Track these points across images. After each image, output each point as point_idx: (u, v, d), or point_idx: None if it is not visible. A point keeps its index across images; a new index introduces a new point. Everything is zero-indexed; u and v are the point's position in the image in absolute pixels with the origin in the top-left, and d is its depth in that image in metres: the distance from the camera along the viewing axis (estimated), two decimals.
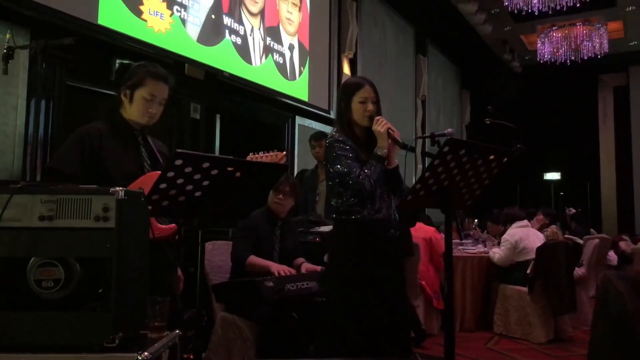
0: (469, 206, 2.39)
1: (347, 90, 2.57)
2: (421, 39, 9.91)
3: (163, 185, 1.83)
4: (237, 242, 3.27)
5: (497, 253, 4.97)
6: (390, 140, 2.44)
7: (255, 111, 5.98)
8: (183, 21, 4.75)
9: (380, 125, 2.43)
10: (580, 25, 9.79)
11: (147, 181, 2.10)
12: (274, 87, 5.92)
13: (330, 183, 2.56)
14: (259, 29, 5.76)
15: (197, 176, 1.85)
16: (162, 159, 2.30)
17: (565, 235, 6.07)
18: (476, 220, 7.97)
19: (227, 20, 5.29)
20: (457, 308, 4.95)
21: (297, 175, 5.22)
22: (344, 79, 6.81)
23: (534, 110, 11.91)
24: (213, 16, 5.11)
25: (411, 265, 4.05)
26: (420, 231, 4.81)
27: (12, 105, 3.51)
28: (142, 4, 4.34)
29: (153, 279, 1.76)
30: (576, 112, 12.00)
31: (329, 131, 5.93)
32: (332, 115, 6.23)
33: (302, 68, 6.47)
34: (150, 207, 1.81)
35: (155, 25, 4.45)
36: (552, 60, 10.06)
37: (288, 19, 6.28)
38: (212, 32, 5.08)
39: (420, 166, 9.37)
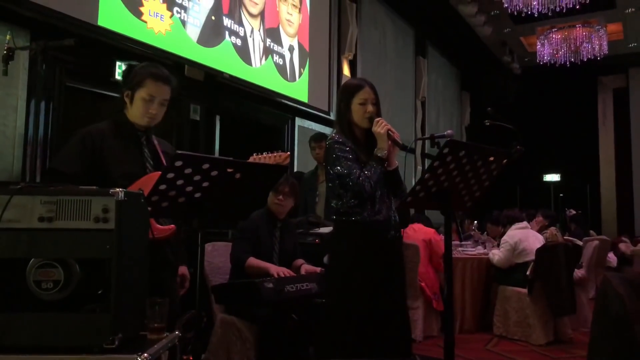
0: (468, 207, 2.39)
1: (347, 92, 2.57)
2: (421, 41, 9.92)
3: (163, 187, 1.83)
4: (237, 243, 3.27)
5: (496, 254, 4.97)
6: (390, 142, 2.44)
7: (255, 112, 5.98)
8: (183, 22, 4.75)
9: (380, 127, 2.43)
10: (579, 27, 9.79)
11: (147, 182, 2.10)
12: (274, 88, 5.92)
13: (330, 184, 2.57)
14: (259, 30, 5.76)
15: (196, 177, 1.85)
16: (165, 160, 2.31)
17: (565, 237, 6.08)
18: (475, 221, 7.98)
19: (227, 21, 5.30)
20: (456, 309, 4.95)
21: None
22: (343, 81, 6.82)
23: (534, 112, 11.91)
24: (213, 17, 5.11)
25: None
26: (420, 232, 4.81)
27: (12, 106, 3.51)
28: (142, 5, 4.34)
29: (152, 280, 1.76)
30: (576, 114, 12.00)
31: (329, 132, 5.94)
32: (332, 116, 6.23)
33: (302, 69, 6.48)
34: (150, 208, 1.81)
35: (155, 27, 4.45)
36: (552, 61, 10.07)
37: (288, 20, 6.28)
38: (212, 33, 5.09)
39: (419, 168, 9.37)
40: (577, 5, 7.85)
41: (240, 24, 5.49)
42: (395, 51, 8.96)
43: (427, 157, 9.63)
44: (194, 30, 4.87)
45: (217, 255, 3.44)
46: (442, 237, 4.47)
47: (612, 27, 10.11)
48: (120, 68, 4.21)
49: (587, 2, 7.74)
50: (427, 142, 8.43)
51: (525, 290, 4.63)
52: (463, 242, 6.26)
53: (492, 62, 11.82)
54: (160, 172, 1.94)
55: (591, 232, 7.75)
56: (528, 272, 4.63)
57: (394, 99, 8.66)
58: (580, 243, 5.54)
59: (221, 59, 5.17)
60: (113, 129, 2.27)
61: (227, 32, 5.28)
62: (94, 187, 1.60)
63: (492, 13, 9.79)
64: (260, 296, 2.81)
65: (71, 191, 1.55)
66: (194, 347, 2.26)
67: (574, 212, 8.25)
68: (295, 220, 3.93)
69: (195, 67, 4.89)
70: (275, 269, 3.08)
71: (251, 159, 2.33)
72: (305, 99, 6.50)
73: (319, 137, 4.86)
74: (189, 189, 1.88)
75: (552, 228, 5.74)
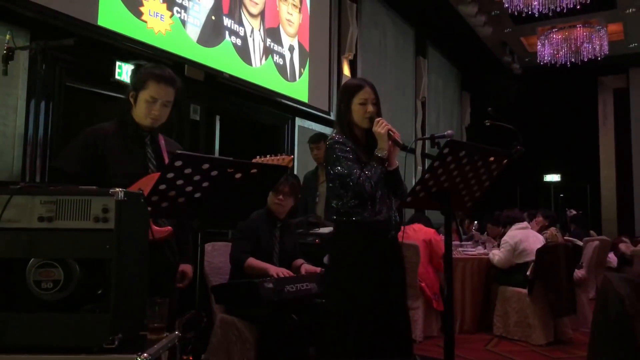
0: (468, 208, 2.39)
1: (347, 92, 2.57)
2: (421, 41, 9.91)
3: (163, 187, 1.83)
4: (236, 243, 3.27)
5: (496, 255, 4.97)
6: (390, 142, 2.44)
7: (255, 112, 5.98)
8: (183, 22, 4.75)
9: (381, 127, 2.42)
10: (580, 27, 9.79)
11: (147, 182, 2.10)
12: (274, 88, 5.92)
13: (330, 184, 2.56)
14: (259, 30, 5.76)
15: (196, 177, 1.85)
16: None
17: (565, 237, 6.08)
18: (476, 222, 7.99)
19: (227, 21, 5.29)
20: (456, 310, 4.95)
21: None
22: (344, 81, 6.81)
23: (534, 112, 11.91)
24: (213, 17, 5.11)
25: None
26: (420, 233, 4.81)
27: (11, 106, 3.51)
28: (142, 5, 4.34)
29: (151, 281, 1.76)
30: (576, 114, 12.00)
31: (329, 133, 5.94)
32: (332, 116, 6.23)
33: (302, 69, 6.47)
34: (149, 208, 1.81)
35: (156, 27, 4.45)
36: (552, 62, 10.06)
37: (288, 20, 6.28)
38: (212, 33, 5.08)
39: (420, 168, 9.37)
40: (577, 6, 7.85)
41: (241, 23, 5.48)
42: (396, 51, 8.96)
43: (427, 157, 9.63)
44: (194, 30, 4.87)
45: (217, 255, 3.45)
46: (442, 237, 4.47)
47: (612, 27, 10.10)
48: (120, 68, 4.22)
49: (588, 2, 7.73)
50: (428, 142, 8.42)
51: (525, 291, 4.63)
52: (463, 242, 6.26)
53: (492, 63, 11.82)
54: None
55: (591, 232, 7.75)
56: (528, 273, 4.62)
57: (394, 99, 8.65)
58: (581, 243, 5.54)
59: (221, 58, 5.17)
60: (117, 129, 2.30)
61: (227, 32, 5.28)
62: (94, 187, 1.60)
63: (493, 13, 9.78)
64: (260, 296, 2.81)
65: (71, 191, 1.56)
66: (193, 347, 2.26)
67: (574, 212, 8.25)
68: (295, 221, 3.93)
69: (195, 67, 4.88)
70: (275, 270, 3.08)
71: (254, 162, 2.34)
72: (305, 99, 6.50)
73: (316, 139, 4.87)
74: (189, 189, 1.88)
75: (552, 228, 5.74)
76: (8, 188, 1.53)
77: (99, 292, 1.56)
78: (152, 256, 1.77)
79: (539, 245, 4.71)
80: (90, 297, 1.56)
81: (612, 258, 6.90)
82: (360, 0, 7.80)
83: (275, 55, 5.99)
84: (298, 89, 6.37)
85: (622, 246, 7.67)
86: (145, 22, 4.36)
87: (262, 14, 5.83)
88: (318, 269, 3.27)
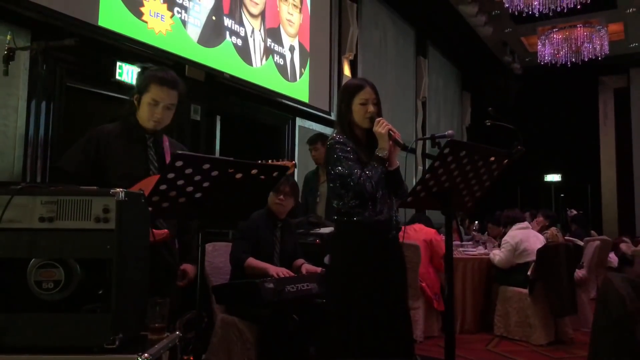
0: (469, 208, 2.39)
1: (347, 92, 2.57)
2: (422, 41, 9.91)
3: (163, 187, 1.83)
4: (236, 243, 3.28)
5: (497, 255, 4.97)
6: (391, 142, 2.44)
7: (256, 112, 5.98)
8: (184, 22, 4.75)
9: (381, 127, 2.42)
10: (580, 27, 9.78)
11: (147, 184, 2.11)
12: (275, 88, 5.92)
13: (331, 185, 2.56)
14: (260, 31, 5.76)
15: (197, 177, 1.85)
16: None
17: (566, 237, 6.07)
18: (476, 222, 7.99)
19: (227, 21, 5.30)
20: (457, 310, 4.94)
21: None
22: (344, 81, 6.82)
23: (535, 112, 11.91)
24: (213, 17, 5.11)
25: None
26: (421, 233, 4.81)
27: (12, 107, 3.51)
28: (142, 5, 4.34)
29: (150, 283, 1.77)
30: (577, 114, 12.00)
31: (329, 133, 5.92)
32: (333, 116, 6.23)
33: (302, 69, 6.48)
34: (150, 209, 1.81)
35: (156, 27, 4.45)
36: (553, 62, 10.06)
37: (289, 20, 6.28)
38: (212, 33, 5.09)
39: (420, 168, 9.37)
40: (578, 5, 7.85)
41: (241, 24, 5.49)
42: (396, 51, 8.95)
43: (427, 157, 9.63)
44: (194, 30, 4.87)
45: (218, 256, 3.45)
46: (442, 237, 4.47)
47: (613, 27, 10.10)
48: (120, 68, 4.22)
49: (588, 2, 7.73)
50: (428, 142, 8.43)
51: (526, 291, 4.63)
52: (464, 242, 6.26)
53: (493, 62, 11.82)
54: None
55: (592, 232, 7.75)
56: (529, 273, 4.62)
57: (395, 99, 8.65)
58: (581, 243, 5.54)
59: (222, 59, 5.17)
60: (121, 131, 2.32)
61: (227, 32, 5.28)
62: (95, 187, 1.60)
63: (493, 13, 9.78)
64: (261, 296, 2.81)
65: (72, 191, 1.56)
66: (194, 347, 2.26)
67: (574, 212, 8.24)
68: (296, 221, 3.93)
69: (195, 67, 4.89)
70: (274, 269, 3.08)
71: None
72: (306, 99, 6.50)
73: (313, 140, 4.87)
74: (190, 189, 1.88)
75: (553, 228, 5.73)
76: (9, 188, 1.53)
77: (100, 292, 1.56)
78: (150, 259, 1.77)
79: (539, 245, 4.71)
80: (91, 297, 1.56)
81: (612, 258, 6.89)
82: (361, 0, 7.80)
83: (275, 55, 5.99)
84: (298, 89, 6.37)
85: (622, 246, 7.67)
86: (146, 22, 4.37)
87: (262, 14, 5.84)
88: (319, 269, 3.27)
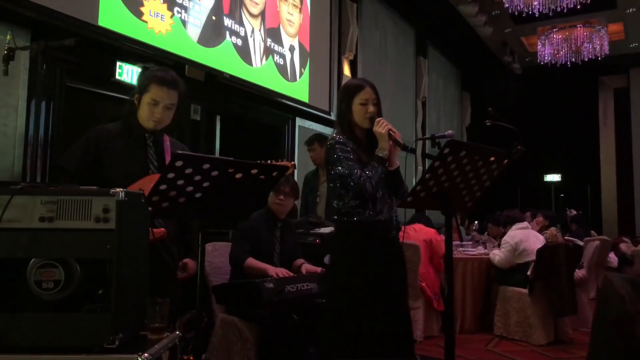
0: (469, 208, 2.39)
1: (347, 92, 2.57)
2: (422, 41, 9.91)
3: (163, 187, 1.83)
4: (236, 243, 3.28)
5: (497, 255, 4.97)
6: (391, 142, 2.43)
7: (256, 112, 5.98)
8: (183, 22, 4.75)
9: (381, 127, 2.42)
10: (580, 27, 9.79)
11: (147, 183, 2.11)
12: (275, 88, 5.92)
13: (331, 185, 2.56)
14: (260, 30, 5.76)
15: (197, 177, 1.85)
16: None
17: (565, 237, 6.08)
18: (476, 222, 7.99)
19: (227, 21, 5.30)
20: (457, 310, 4.94)
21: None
22: (344, 81, 6.82)
23: (535, 112, 11.91)
24: (213, 17, 5.11)
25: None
26: (421, 233, 4.81)
27: (12, 106, 3.51)
28: (142, 5, 4.34)
29: (150, 282, 1.77)
30: (577, 114, 12.00)
31: (329, 133, 5.92)
32: (333, 116, 6.23)
33: (302, 69, 6.47)
34: (150, 209, 1.81)
35: (156, 27, 4.45)
36: (553, 62, 10.06)
37: (289, 20, 6.28)
38: (212, 33, 5.09)
39: (420, 168, 9.37)
40: (578, 5, 7.85)
41: (241, 24, 5.49)
42: (396, 51, 8.95)
43: (427, 157, 9.64)
44: (194, 30, 4.87)
45: (218, 256, 3.45)
46: (442, 237, 4.47)
47: (613, 27, 10.10)
48: (120, 68, 4.22)
49: (588, 2, 7.73)
50: (428, 143, 8.44)
51: (525, 291, 4.63)
52: (464, 242, 6.26)
53: (492, 62, 11.82)
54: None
55: (592, 232, 7.75)
56: (529, 273, 4.62)
57: (395, 99, 8.65)
58: (581, 243, 5.54)
59: (222, 59, 5.17)
60: (121, 130, 2.33)
61: (227, 32, 5.28)
62: (95, 187, 1.60)
63: (493, 13, 9.79)
64: (261, 296, 2.81)
65: (72, 191, 1.56)
66: (194, 347, 2.26)
67: (574, 212, 8.24)
68: (296, 221, 3.93)
69: (195, 67, 4.89)
70: (274, 270, 3.08)
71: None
72: (305, 99, 6.50)
73: (310, 140, 4.88)
74: (190, 189, 1.88)
75: (552, 228, 5.73)
76: (9, 188, 1.53)
77: (100, 292, 1.57)
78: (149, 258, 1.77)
79: (539, 245, 4.71)
80: (91, 297, 1.56)
81: (612, 258, 6.89)
82: (361, 0, 7.80)
83: (275, 55, 5.99)
84: (298, 89, 6.37)
85: (622, 246, 7.67)
86: (146, 22, 4.36)
87: (262, 14, 5.84)
88: (318, 269, 3.27)
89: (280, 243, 3.36)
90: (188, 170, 1.81)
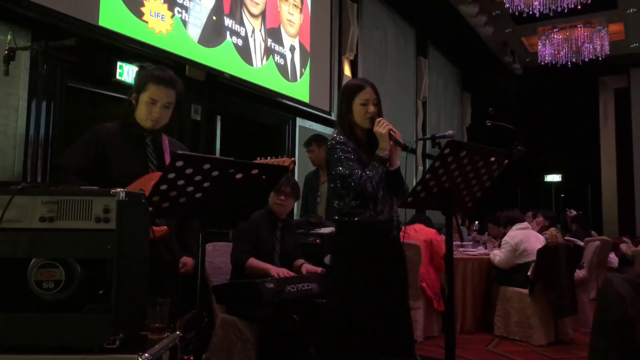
0: (469, 208, 2.39)
1: (348, 92, 2.57)
2: (422, 41, 9.91)
3: (164, 187, 1.83)
4: (237, 243, 3.28)
5: (497, 255, 4.97)
6: (391, 142, 2.44)
7: (256, 112, 5.98)
8: (184, 22, 4.75)
9: (382, 127, 2.42)
10: (581, 27, 9.79)
11: (147, 181, 2.12)
12: (275, 88, 5.92)
13: (332, 185, 2.56)
14: (260, 31, 5.76)
15: (197, 177, 1.85)
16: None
17: (565, 237, 6.07)
18: (476, 222, 7.98)
19: (228, 21, 5.30)
20: (457, 310, 4.94)
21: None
22: (344, 81, 6.82)
23: (535, 112, 11.91)
24: (214, 17, 5.11)
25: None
26: (421, 233, 4.81)
27: (13, 107, 3.51)
28: (143, 5, 4.34)
29: (149, 280, 1.77)
30: (577, 114, 12.00)
31: (330, 133, 5.92)
32: (333, 116, 6.23)
33: (303, 69, 6.47)
34: (151, 209, 1.81)
35: (157, 27, 4.45)
36: (553, 62, 10.06)
37: (289, 20, 6.28)
38: (213, 33, 5.09)
39: (420, 168, 9.37)
40: (578, 6, 7.85)
41: (242, 24, 5.49)
42: (396, 51, 8.95)
43: (428, 157, 9.63)
44: (195, 30, 4.87)
45: (218, 256, 3.45)
46: (443, 237, 4.47)
47: (613, 27, 10.10)
48: (121, 68, 4.22)
49: (589, 2, 7.73)
50: (428, 143, 8.44)
51: (526, 291, 4.63)
52: (464, 243, 6.25)
53: (493, 63, 11.82)
54: (161, 173, 1.95)
55: (592, 232, 7.75)
56: (529, 273, 4.62)
57: (395, 99, 8.65)
58: (582, 243, 5.53)
59: (222, 59, 5.17)
60: (120, 129, 2.33)
61: (228, 32, 5.28)
62: (95, 187, 1.60)
63: (494, 13, 9.79)
64: (261, 296, 2.81)
65: (72, 191, 1.56)
66: (194, 347, 2.26)
67: (574, 212, 8.24)
68: (296, 221, 3.93)
69: (196, 67, 4.88)
70: (275, 270, 3.08)
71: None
72: (306, 99, 6.50)
73: (308, 142, 4.88)
74: (190, 189, 1.88)
75: (552, 229, 5.73)
76: (9, 188, 1.53)
77: (100, 292, 1.57)
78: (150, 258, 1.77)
79: (539, 246, 4.71)
80: (92, 297, 1.56)
81: (613, 258, 6.89)
82: (361, 0, 7.80)
83: (276, 55, 5.99)
84: (299, 89, 6.37)
85: (623, 246, 7.66)
86: (146, 22, 4.37)
87: (263, 14, 5.84)
88: (319, 269, 3.27)
89: (280, 243, 3.36)
90: (188, 171, 1.81)
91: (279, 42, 6.08)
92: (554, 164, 12.10)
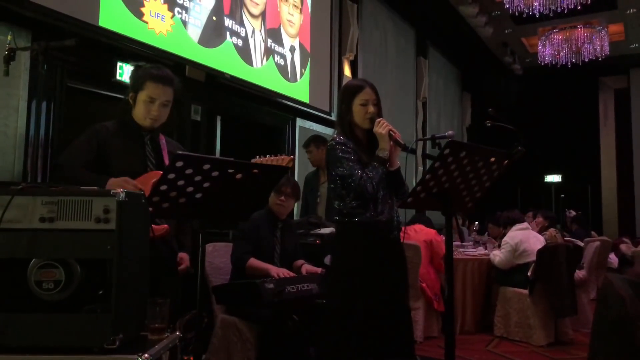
0: (469, 208, 2.39)
1: (347, 93, 2.57)
2: (422, 41, 9.91)
3: (164, 187, 1.83)
4: (237, 244, 3.28)
5: (497, 255, 4.97)
6: (391, 142, 2.44)
7: (256, 113, 5.98)
8: (184, 23, 4.76)
9: (382, 127, 2.43)
10: (581, 27, 9.79)
11: (146, 180, 2.12)
12: (275, 88, 5.92)
13: (332, 185, 2.56)
14: (260, 31, 5.76)
15: (197, 178, 1.85)
16: (169, 160, 2.33)
17: (565, 238, 6.07)
18: (476, 222, 7.99)
19: (228, 22, 5.30)
20: (457, 310, 4.94)
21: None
22: (344, 81, 6.82)
23: (535, 113, 11.91)
24: (214, 18, 5.11)
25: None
26: (421, 233, 4.81)
27: (13, 107, 3.51)
28: (143, 5, 4.35)
29: (150, 280, 1.77)
30: (577, 115, 12.00)
31: (330, 133, 5.92)
32: (333, 117, 6.23)
33: (303, 70, 6.48)
34: (151, 209, 1.81)
35: (157, 27, 4.45)
36: (553, 62, 10.06)
37: (289, 20, 6.28)
38: (213, 33, 5.09)
39: (420, 168, 9.37)
40: (578, 6, 7.85)
41: (242, 24, 5.49)
42: (396, 52, 8.96)
43: (428, 157, 9.63)
44: (195, 30, 4.87)
45: (218, 256, 3.45)
46: (443, 238, 4.47)
47: (613, 27, 10.10)
48: (121, 69, 4.22)
49: (589, 3, 7.74)
50: (428, 143, 8.44)
51: (526, 291, 4.63)
52: (464, 243, 6.26)
53: (493, 63, 11.82)
54: (160, 172, 1.95)
55: (592, 233, 7.75)
56: (529, 273, 4.62)
57: (395, 99, 8.65)
58: (582, 244, 5.53)
59: (222, 59, 5.17)
60: (118, 129, 2.33)
61: (228, 33, 5.28)
62: (95, 187, 1.60)
63: (494, 14, 9.78)
64: (261, 297, 2.81)
65: (72, 192, 1.56)
66: (194, 348, 2.26)
67: (573, 213, 8.25)
68: (296, 221, 3.93)
69: (196, 68, 4.89)
70: (276, 270, 3.08)
71: (253, 162, 2.34)
72: (306, 100, 6.50)
73: (306, 143, 4.88)
74: (190, 189, 1.88)
75: (552, 229, 5.73)
76: (9, 188, 1.53)
77: (100, 292, 1.57)
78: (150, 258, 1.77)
79: (539, 246, 4.71)
80: (92, 298, 1.56)
81: (613, 259, 6.89)
82: (361, 0, 7.80)
83: (276, 55, 5.99)
84: (299, 90, 6.37)
85: (623, 247, 7.67)
86: (147, 22, 4.37)
87: (263, 14, 5.84)
88: (319, 270, 3.27)
89: (280, 243, 3.36)
90: (188, 171, 1.81)
91: (279, 42, 6.08)
92: (554, 165, 12.10)
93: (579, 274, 5.18)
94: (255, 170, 1.95)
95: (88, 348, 1.47)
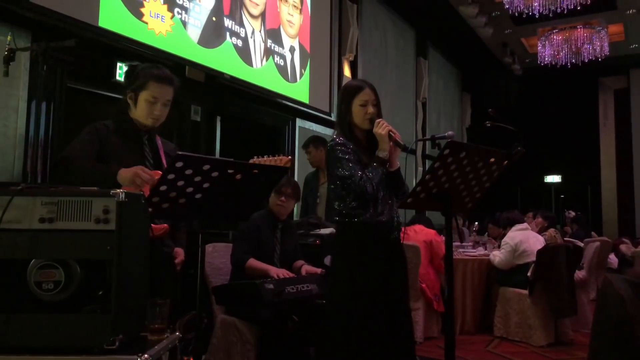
0: (469, 208, 2.39)
1: (347, 93, 2.57)
2: (422, 42, 9.91)
3: (163, 188, 1.83)
4: (237, 244, 3.28)
5: (497, 256, 4.97)
6: (391, 143, 2.44)
7: (256, 113, 5.98)
8: (184, 23, 4.76)
9: (381, 128, 2.42)
10: (580, 28, 9.79)
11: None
12: (275, 89, 5.93)
13: (332, 186, 2.56)
14: (260, 31, 5.77)
15: (197, 178, 1.85)
16: (166, 161, 2.34)
17: (565, 238, 6.07)
18: (476, 223, 7.99)
19: (228, 22, 5.30)
20: (457, 311, 4.94)
21: None
22: (344, 82, 6.82)
23: (535, 113, 11.90)
24: (214, 18, 5.11)
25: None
26: (421, 234, 4.81)
27: (13, 107, 3.51)
28: (143, 6, 4.35)
29: (150, 280, 1.77)
30: (577, 115, 12.00)
31: (329, 133, 5.93)
32: (333, 117, 6.23)
33: (302, 70, 6.48)
34: (150, 210, 1.81)
35: (156, 28, 4.45)
36: (553, 63, 10.06)
37: (289, 21, 6.29)
38: (213, 34, 5.09)
39: (420, 169, 9.37)
40: (578, 7, 7.85)
41: (241, 24, 5.49)
42: (396, 52, 8.96)
43: (427, 158, 9.64)
44: (194, 31, 4.87)
45: (218, 257, 3.44)
46: (442, 238, 4.47)
47: (613, 28, 10.10)
48: (121, 69, 4.22)
49: (588, 3, 7.74)
50: (428, 143, 8.45)
51: (526, 292, 4.63)
52: (464, 243, 6.26)
53: (493, 63, 11.81)
54: (159, 172, 1.95)
55: (592, 233, 7.75)
56: (529, 274, 4.62)
57: (395, 100, 8.65)
58: (581, 244, 5.54)
59: (222, 59, 5.18)
60: (116, 128, 2.32)
61: (227, 33, 5.29)
62: (95, 187, 1.60)
63: (493, 14, 9.78)
64: (261, 297, 2.81)
65: (72, 192, 1.56)
66: (194, 348, 2.26)
67: (573, 213, 8.25)
68: (296, 221, 3.93)
69: (196, 68, 4.89)
70: (275, 271, 3.08)
71: (252, 162, 2.34)
72: (306, 100, 6.50)
73: (306, 144, 4.89)
74: (190, 190, 1.88)
75: (551, 230, 5.73)
76: (9, 189, 1.53)
77: (100, 293, 1.57)
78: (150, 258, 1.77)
79: (539, 246, 4.71)
80: (91, 298, 1.56)
81: (612, 259, 6.89)
82: (361, 1, 7.80)
83: (276, 56, 6.00)
84: (299, 90, 6.37)
85: (622, 247, 7.67)
86: (146, 23, 4.37)
87: (262, 15, 5.84)
88: (318, 270, 3.27)
89: (280, 244, 3.36)
90: (188, 171, 1.81)
91: (279, 43, 6.08)
92: (553, 165, 12.10)
93: (579, 274, 5.19)
94: (255, 171, 1.95)
95: (88, 348, 1.47)
